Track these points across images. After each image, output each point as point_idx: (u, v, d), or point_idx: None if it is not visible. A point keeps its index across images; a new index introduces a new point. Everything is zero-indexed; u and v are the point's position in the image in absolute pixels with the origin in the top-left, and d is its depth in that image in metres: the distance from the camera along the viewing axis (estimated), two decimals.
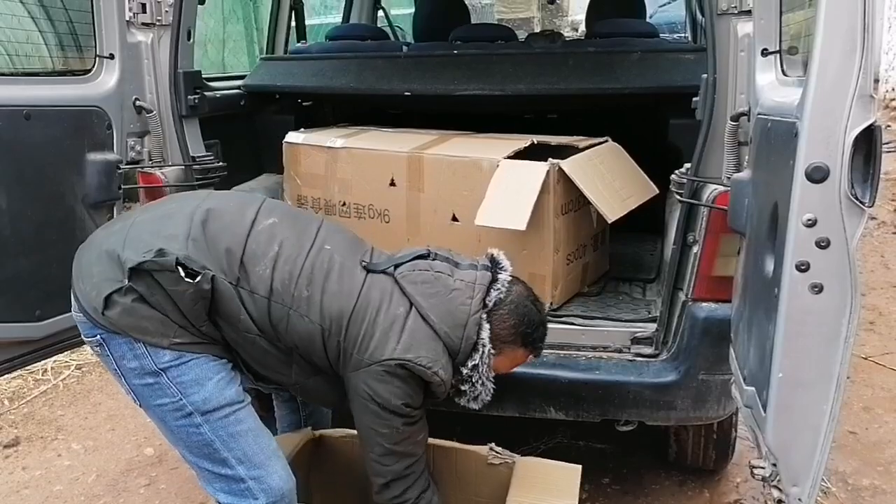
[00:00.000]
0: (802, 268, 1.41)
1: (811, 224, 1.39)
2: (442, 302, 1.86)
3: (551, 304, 2.54)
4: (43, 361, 3.96)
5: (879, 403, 3.49)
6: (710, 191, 2.15)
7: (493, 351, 1.89)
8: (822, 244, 1.39)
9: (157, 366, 1.78)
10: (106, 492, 3.11)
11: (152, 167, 2.61)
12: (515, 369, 2.05)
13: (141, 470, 3.23)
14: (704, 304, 2.25)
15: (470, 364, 1.88)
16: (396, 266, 1.91)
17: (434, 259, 1.96)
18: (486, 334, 1.88)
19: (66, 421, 3.67)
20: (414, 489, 1.90)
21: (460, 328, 1.85)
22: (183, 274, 1.73)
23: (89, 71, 2.47)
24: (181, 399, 1.80)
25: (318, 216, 2.03)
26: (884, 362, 3.82)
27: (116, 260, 1.77)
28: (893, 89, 8.65)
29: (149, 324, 1.76)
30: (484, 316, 1.88)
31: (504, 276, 1.94)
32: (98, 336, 1.81)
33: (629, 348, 2.41)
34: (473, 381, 1.90)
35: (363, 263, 1.90)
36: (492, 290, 1.91)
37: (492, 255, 2.01)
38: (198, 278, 1.73)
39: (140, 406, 1.88)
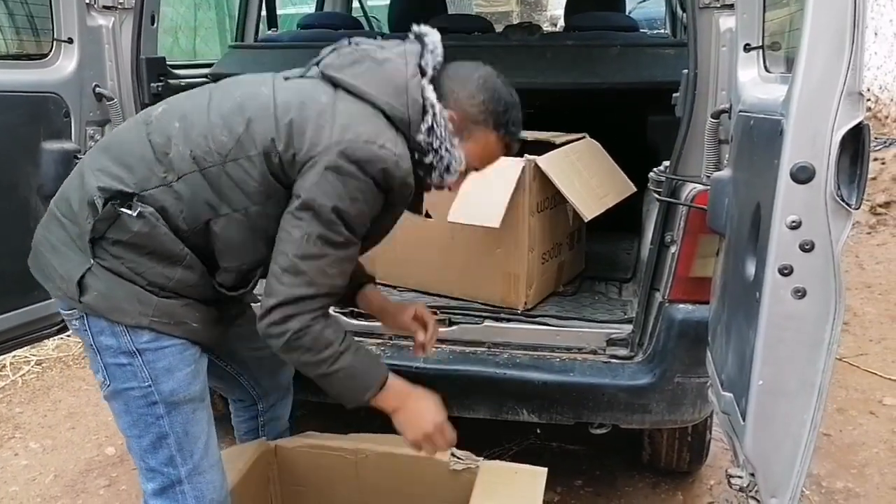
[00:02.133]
0: (785, 271, 1.35)
1: (795, 226, 1.33)
2: (375, 73, 1.67)
3: (525, 303, 2.49)
4: (1, 357, 3.87)
5: (853, 405, 3.47)
6: (689, 190, 2.09)
7: (444, 113, 1.68)
8: (806, 247, 1.33)
9: (135, 346, 1.70)
10: (64, 493, 3.00)
11: None
12: (486, 369, 1.94)
13: (101, 470, 3.13)
14: (681, 305, 2.19)
15: (424, 128, 1.66)
16: (317, 63, 1.73)
17: (358, 44, 1.76)
18: (430, 94, 1.67)
19: (24, 419, 3.55)
20: (295, 321, 1.63)
21: (402, 93, 1.65)
22: (127, 213, 1.63)
23: (46, 56, 2.37)
24: (150, 386, 1.72)
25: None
26: (858, 363, 3.81)
27: (71, 242, 1.70)
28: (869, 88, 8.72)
29: (126, 304, 1.68)
30: (425, 82, 1.68)
31: (431, 40, 1.73)
32: (76, 309, 1.73)
33: (604, 350, 2.35)
34: (434, 147, 1.67)
35: (275, 79, 1.72)
36: (424, 54, 1.70)
37: (415, 29, 1.78)
38: (133, 210, 1.63)
39: (108, 388, 1.77)
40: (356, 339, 1.82)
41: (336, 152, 1.57)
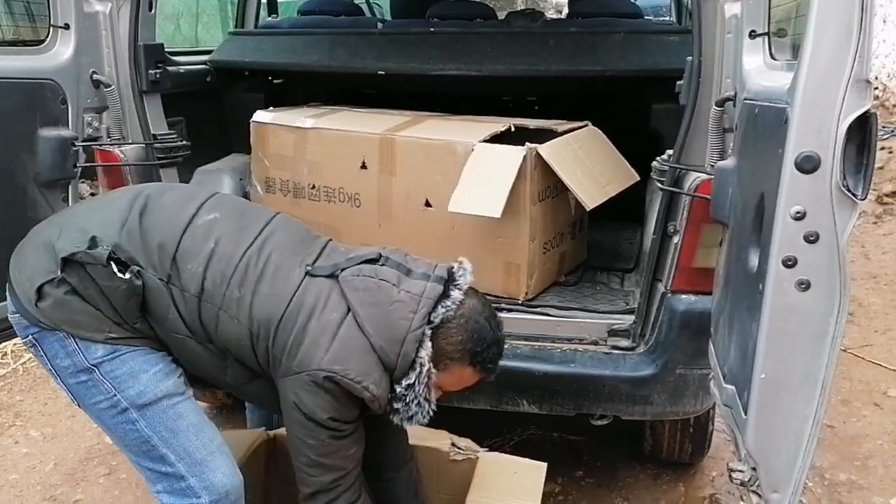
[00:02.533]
0: (789, 263, 1.33)
1: (800, 217, 1.31)
2: (381, 313, 1.69)
3: (526, 294, 2.46)
4: (2, 345, 3.85)
5: (857, 396, 3.44)
6: (693, 179, 2.07)
7: (433, 370, 1.72)
8: (811, 238, 1.31)
9: (90, 362, 1.69)
10: (64, 481, 3.00)
11: (111, 145, 2.49)
12: None
13: (101, 458, 3.12)
14: (684, 296, 2.18)
15: (405, 383, 1.70)
16: (342, 269, 1.77)
17: (384, 265, 1.78)
18: (425, 353, 1.69)
19: (24, 407, 3.55)
20: (339, 500, 1.77)
21: (397, 343, 1.68)
22: (115, 269, 1.64)
23: (42, 42, 2.33)
24: (115, 395, 1.70)
25: (272, 212, 1.90)
26: (862, 354, 3.78)
27: (51, 250, 1.69)
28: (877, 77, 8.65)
29: (83, 318, 1.68)
30: (428, 332, 1.71)
31: (456, 295, 1.75)
32: (31, 336, 1.72)
33: (605, 341, 2.33)
34: (407, 400, 1.72)
35: (306, 266, 1.77)
36: (439, 307, 1.72)
37: (452, 267, 1.81)
38: (127, 274, 1.65)
39: (79, 407, 1.78)
40: None
41: (323, 376, 1.64)
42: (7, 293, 1.77)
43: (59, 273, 1.65)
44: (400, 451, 2.08)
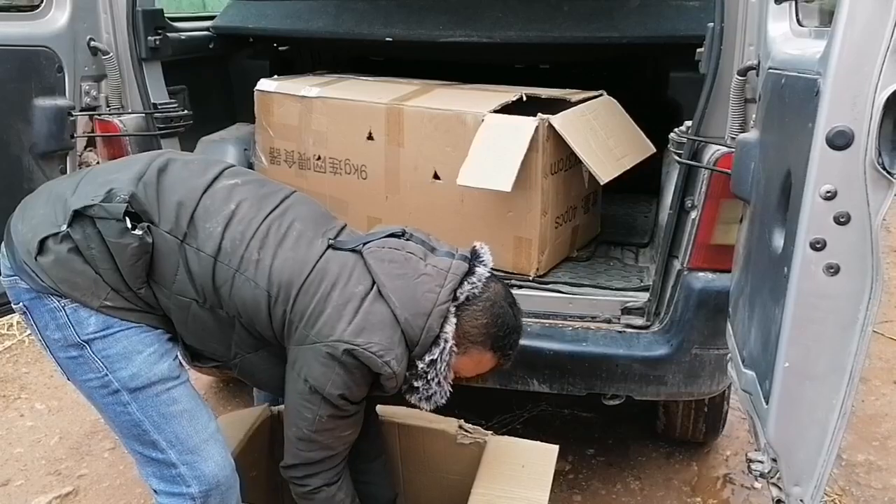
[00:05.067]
0: (818, 246, 1.24)
1: (830, 197, 1.21)
2: (408, 286, 1.67)
3: (537, 269, 2.39)
4: (8, 316, 3.83)
5: (877, 374, 3.37)
6: (713, 152, 1.98)
7: (455, 349, 1.71)
8: (842, 220, 1.22)
9: (81, 337, 1.63)
10: (69, 455, 2.98)
11: (109, 114, 2.42)
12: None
13: (106, 432, 3.09)
14: (701, 273, 2.10)
15: (427, 359, 1.68)
16: (365, 243, 1.73)
17: (409, 240, 1.77)
18: (450, 328, 1.68)
19: (30, 379, 3.53)
20: (317, 479, 1.75)
21: (423, 317, 1.65)
22: (129, 224, 1.58)
23: (37, 7, 2.26)
24: (107, 374, 1.64)
25: (290, 189, 1.86)
26: (882, 331, 3.70)
27: (63, 204, 1.63)
28: None
29: (80, 279, 1.61)
30: (452, 309, 1.69)
31: (482, 270, 1.75)
32: (22, 304, 1.66)
33: (619, 319, 2.26)
34: (429, 378, 1.69)
35: (329, 239, 1.72)
36: (465, 283, 1.71)
37: (475, 247, 1.81)
38: (139, 230, 1.59)
39: (68, 380, 1.73)
40: None
41: (343, 349, 1.59)
42: (2, 251, 1.70)
43: (64, 228, 1.59)
44: (376, 443, 2.06)
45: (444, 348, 1.67)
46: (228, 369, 1.83)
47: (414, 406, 1.80)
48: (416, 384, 1.71)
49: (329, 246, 1.71)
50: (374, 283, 1.67)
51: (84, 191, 1.64)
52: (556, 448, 1.98)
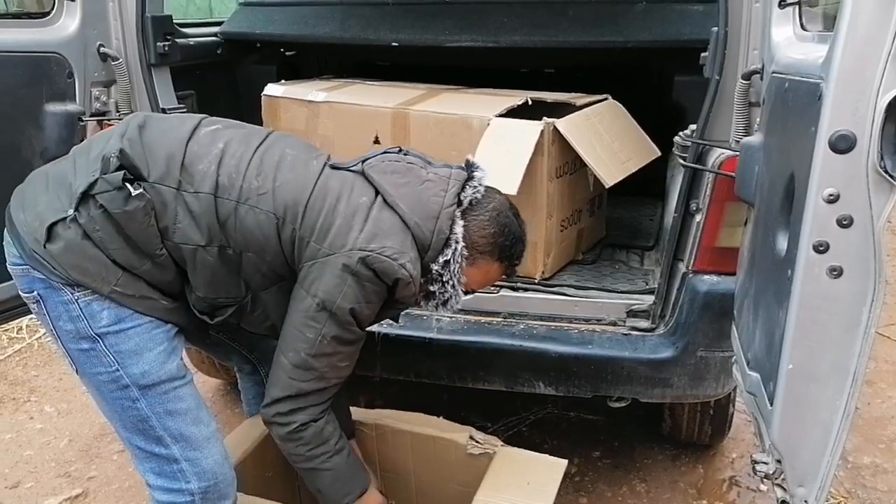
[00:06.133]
0: (821, 248, 1.25)
1: (833, 200, 1.23)
2: (413, 191, 1.70)
3: (543, 272, 2.40)
4: (18, 320, 3.86)
5: (883, 377, 3.37)
6: (717, 155, 1.99)
7: (465, 252, 1.72)
8: (845, 223, 1.23)
9: (94, 330, 1.64)
10: (78, 457, 3.00)
11: (119, 119, 2.43)
12: (502, 340, 1.90)
13: (115, 435, 3.06)
14: (706, 276, 2.11)
15: (441, 260, 1.70)
16: (363, 161, 1.76)
17: (406, 154, 1.81)
18: (459, 229, 1.71)
19: (39, 382, 3.55)
20: (303, 413, 1.73)
21: (432, 220, 1.68)
22: (132, 190, 1.58)
23: (48, 14, 2.28)
24: (118, 370, 1.66)
25: (270, 129, 1.88)
26: (888, 334, 3.70)
27: (67, 188, 1.63)
28: None
29: (91, 265, 1.62)
30: (458, 213, 1.72)
31: (480, 174, 1.78)
32: (35, 292, 1.66)
33: (624, 321, 2.27)
34: (444, 280, 1.71)
35: (325, 162, 1.75)
36: (467, 187, 1.74)
37: (468, 159, 1.84)
38: (139, 188, 1.60)
39: (76, 373, 1.74)
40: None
41: (357, 258, 1.60)
42: (8, 240, 1.69)
43: (70, 212, 1.59)
44: (348, 424, 2.10)
45: (455, 249, 1.70)
46: (243, 316, 1.81)
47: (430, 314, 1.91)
48: (432, 288, 1.74)
49: (325, 165, 1.73)
50: (377, 193, 1.69)
51: (82, 170, 1.64)
52: (564, 462, 1.97)
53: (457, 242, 1.70)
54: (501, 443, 2.07)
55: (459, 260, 1.71)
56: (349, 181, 1.71)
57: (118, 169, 1.59)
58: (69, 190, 1.63)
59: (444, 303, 1.77)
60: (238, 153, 1.68)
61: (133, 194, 1.59)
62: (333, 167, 1.74)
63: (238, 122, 1.87)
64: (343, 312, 1.63)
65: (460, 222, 1.71)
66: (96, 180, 1.59)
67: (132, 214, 1.59)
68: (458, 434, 2.10)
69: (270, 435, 2.08)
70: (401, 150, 1.82)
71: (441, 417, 2.19)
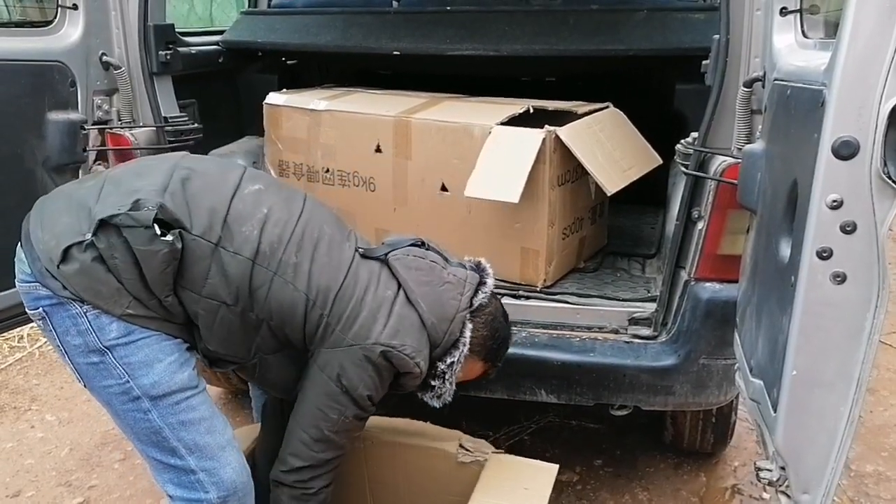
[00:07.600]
0: (824, 255, 1.25)
1: (836, 206, 1.23)
2: (434, 291, 1.80)
3: (544, 280, 2.40)
4: (19, 329, 3.85)
5: (885, 385, 3.36)
6: (719, 163, 1.99)
7: (467, 353, 1.82)
8: (848, 229, 1.23)
9: (103, 343, 1.63)
10: (79, 466, 2.99)
11: (121, 128, 2.44)
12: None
13: (116, 444, 3.11)
14: (708, 284, 2.11)
15: (448, 360, 1.81)
16: (389, 252, 1.83)
17: (429, 250, 1.90)
18: (468, 333, 1.81)
19: (40, 391, 3.55)
20: (321, 480, 1.81)
21: (447, 322, 1.78)
22: (158, 232, 1.58)
23: (50, 23, 2.30)
24: (128, 381, 1.65)
25: (300, 190, 1.94)
26: (890, 342, 3.69)
27: (87, 212, 1.63)
28: None
29: (104, 288, 1.61)
30: (468, 316, 1.82)
31: (490, 282, 1.90)
32: (41, 308, 1.65)
33: (626, 329, 2.27)
34: (445, 378, 1.82)
35: (358, 249, 1.82)
36: (479, 293, 1.86)
37: (479, 261, 1.95)
38: (170, 236, 1.59)
39: (85, 387, 1.73)
40: None
41: (380, 351, 1.70)
42: (21, 257, 1.68)
43: (88, 236, 1.59)
44: None
45: (461, 351, 1.80)
46: (244, 371, 1.86)
47: (423, 403, 1.91)
48: (433, 383, 1.83)
49: (356, 252, 1.80)
50: (399, 287, 1.78)
51: (109, 200, 1.63)
52: (555, 467, 1.98)
53: (464, 345, 1.81)
54: (492, 448, 2.07)
55: (461, 360, 1.82)
56: (376, 272, 1.79)
57: (155, 220, 1.59)
58: (89, 215, 1.62)
59: (439, 397, 1.87)
60: (282, 221, 1.73)
61: (161, 238, 1.59)
62: (363, 255, 1.81)
63: (275, 180, 1.96)
64: (362, 398, 1.74)
65: (469, 325, 1.82)
66: (120, 214, 1.59)
67: (154, 254, 1.59)
68: (448, 443, 2.09)
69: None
70: (423, 244, 1.90)
71: (428, 423, 2.18)
